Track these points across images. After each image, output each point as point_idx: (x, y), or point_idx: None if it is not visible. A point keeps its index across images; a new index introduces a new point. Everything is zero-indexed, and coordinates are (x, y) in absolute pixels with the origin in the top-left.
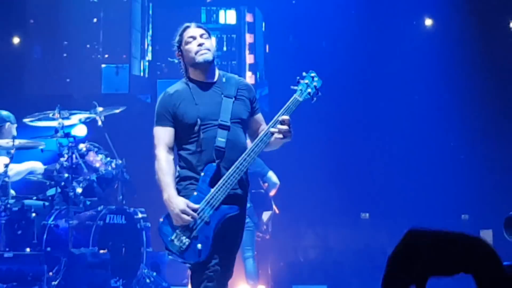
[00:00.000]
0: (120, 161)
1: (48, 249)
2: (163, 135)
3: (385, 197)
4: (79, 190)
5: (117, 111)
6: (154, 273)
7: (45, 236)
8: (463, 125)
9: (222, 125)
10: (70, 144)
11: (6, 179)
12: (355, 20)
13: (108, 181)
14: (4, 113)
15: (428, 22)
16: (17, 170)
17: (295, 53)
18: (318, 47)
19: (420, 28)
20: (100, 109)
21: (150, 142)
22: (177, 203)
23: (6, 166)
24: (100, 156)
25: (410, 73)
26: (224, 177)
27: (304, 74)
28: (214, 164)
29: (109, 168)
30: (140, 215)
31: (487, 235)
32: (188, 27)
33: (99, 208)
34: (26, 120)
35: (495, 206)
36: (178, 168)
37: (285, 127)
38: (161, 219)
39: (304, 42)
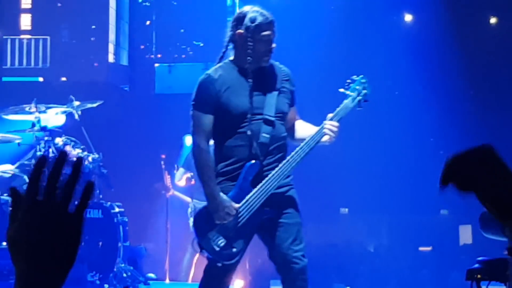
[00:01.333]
0: (97, 155)
1: None
2: (204, 122)
3: (364, 192)
4: None
5: (94, 105)
6: (131, 267)
7: None
8: (442, 120)
9: (267, 120)
10: (46, 138)
11: None
12: (334, 16)
13: (84, 175)
14: None
15: (408, 17)
16: None
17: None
18: (297, 44)
19: (400, 24)
20: (76, 103)
21: (127, 136)
22: (221, 201)
23: None
24: (77, 150)
25: (389, 68)
26: (267, 178)
27: (355, 78)
28: (258, 162)
29: (86, 163)
30: (117, 210)
31: (466, 230)
32: (271, 23)
33: (75, 202)
34: (1, 113)
35: (474, 201)
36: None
37: (333, 133)
38: (198, 214)
39: (282, 38)
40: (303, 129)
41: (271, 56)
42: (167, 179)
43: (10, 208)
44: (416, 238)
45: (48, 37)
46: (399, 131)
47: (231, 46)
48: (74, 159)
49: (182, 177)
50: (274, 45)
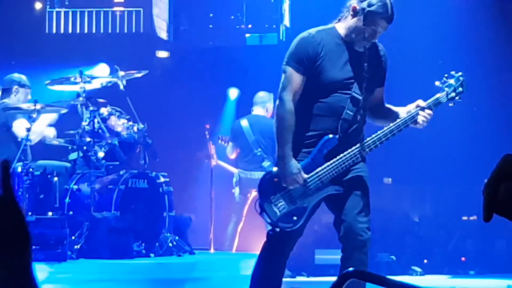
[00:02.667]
0: (142, 125)
1: (70, 213)
2: (295, 80)
3: (407, 161)
4: (101, 154)
5: (139, 75)
6: (177, 237)
7: (67, 200)
8: (487, 90)
9: (354, 97)
10: (91, 108)
11: (28, 143)
12: None
13: (130, 146)
14: (16, 75)
15: None
16: (38, 130)
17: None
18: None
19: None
20: (121, 73)
21: (172, 106)
22: (291, 165)
23: (28, 130)
24: (122, 120)
25: (433, 48)
26: (342, 154)
27: (452, 73)
28: (336, 137)
29: (131, 132)
30: (162, 179)
31: None
32: (385, 19)
33: (121, 172)
34: (46, 82)
35: None
36: None
37: (427, 122)
38: (267, 175)
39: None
40: (384, 110)
41: (368, 44)
42: (212, 148)
43: None
44: (460, 207)
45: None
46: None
47: (345, 12)
48: (119, 129)
49: (233, 151)
50: (379, 34)
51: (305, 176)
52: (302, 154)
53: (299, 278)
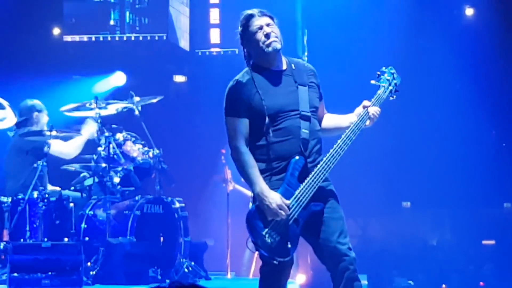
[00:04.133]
0: (157, 151)
1: (86, 238)
2: (240, 126)
3: (426, 185)
4: (116, 180)
5: (154, 100)
6: (193, 263)
7: (83, 226)
8: (504, 113)
9: (303, 115)
10: (107, 134)
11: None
12: (394, 9)
13: (145, 171)
14: (30, 102)
15: (469, 12)
16: (76, 145)
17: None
18: (359, 38)
19: (461, 18)
20: (137, 98)
21: (187, 131)
22: (273, 197)
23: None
24: (138, 145)
25: (451, 62)
26: (313, 172)
27: (383, 69)
28: (302, 157)
29: (147, 158)
30: (177, 205)
31: None
32: (252, 16)
33: (136, 198)
34: (63, 109)
35: None
36: None
37: (376, 118)
38: (251, 212)
39: (344, 33)
40: (335, 120)
41: (273, 38)
42: (228, 173)
43: None
44: (479, 231)
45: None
46: (461, 125)
47: (246, 58)
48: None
49: None
50: (269, 29)
51: (287, 202)
52: (275, 182)
53: None
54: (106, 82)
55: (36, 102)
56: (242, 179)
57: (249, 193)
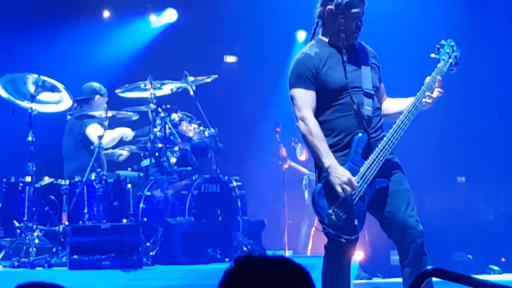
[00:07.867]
0: (213, 130)
1: (145, 219)
2: (308, 97)
3: (481, 160)
4: (173, 160)
5: (209, 80)
6: (251, 241)
7: (141, 206)
8: None
9: (367, 93)
10: (162, 114)
11: (102, 151)
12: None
13: (201, 150)
14: (96, 85)
15: None
16: (111, 137)
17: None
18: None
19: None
20: (191, 78)
21: (241, 110)
22: (343, 173)
23: (100, 138)
24: (193, 125)
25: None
26: (377, 148)
27: (443, 42)
28: (365, 133)
29: (203, 137)
30: (234, 183)
31: None
32: (362, 1)
33: (193, 178)
34: (117, 91)
35: None
36: None
37: (435, 94)
38: (316, 190)
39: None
40: (395, 103)
41: (359, 33)
42: (283, 151)
43: None
44: None
45: None
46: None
47: (319, 21)
48: (190, 134)
49: (302, 153)
50: (361, 22)
51: (354, 179)
52: (340, 158)
53: (375, 280)
54: (159, 20)
55: (101, 86)
56: (305, 153)
57: (305, 171)
